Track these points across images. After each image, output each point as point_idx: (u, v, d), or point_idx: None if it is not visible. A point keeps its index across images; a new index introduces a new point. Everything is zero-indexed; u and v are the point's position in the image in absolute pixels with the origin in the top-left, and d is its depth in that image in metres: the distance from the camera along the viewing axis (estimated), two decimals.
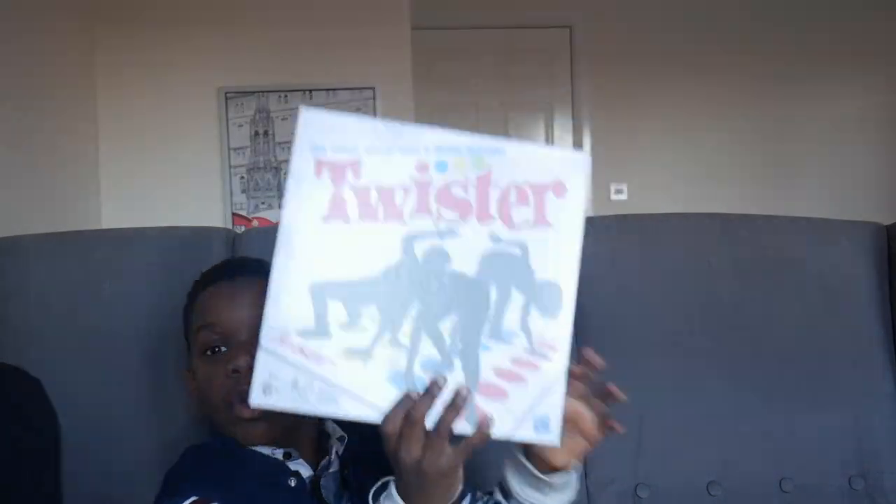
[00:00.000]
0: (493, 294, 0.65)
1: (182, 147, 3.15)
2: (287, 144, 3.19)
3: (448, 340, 0.65)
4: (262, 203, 3.20)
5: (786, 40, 3.94)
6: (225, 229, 1.06)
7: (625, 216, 1.19)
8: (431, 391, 0.64)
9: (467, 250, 0.65)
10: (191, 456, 0.81)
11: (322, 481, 0.79)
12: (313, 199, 0.65)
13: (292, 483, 0.77)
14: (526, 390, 0.65)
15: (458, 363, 0.65)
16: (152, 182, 3.11)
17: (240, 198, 3.18)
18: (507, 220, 0.66)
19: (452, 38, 3.92)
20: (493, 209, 0.66)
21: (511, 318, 0.66)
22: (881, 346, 1.14)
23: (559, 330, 0.67)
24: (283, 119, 3.18)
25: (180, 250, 1.00)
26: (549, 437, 0.66)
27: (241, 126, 3.17)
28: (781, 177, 3.97)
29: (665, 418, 1.09)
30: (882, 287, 1.16)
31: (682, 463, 1.09)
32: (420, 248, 0.65)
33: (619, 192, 3.96)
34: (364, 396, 0.64)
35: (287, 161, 3.30)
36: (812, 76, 3.97)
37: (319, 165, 0.65)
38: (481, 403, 0.65)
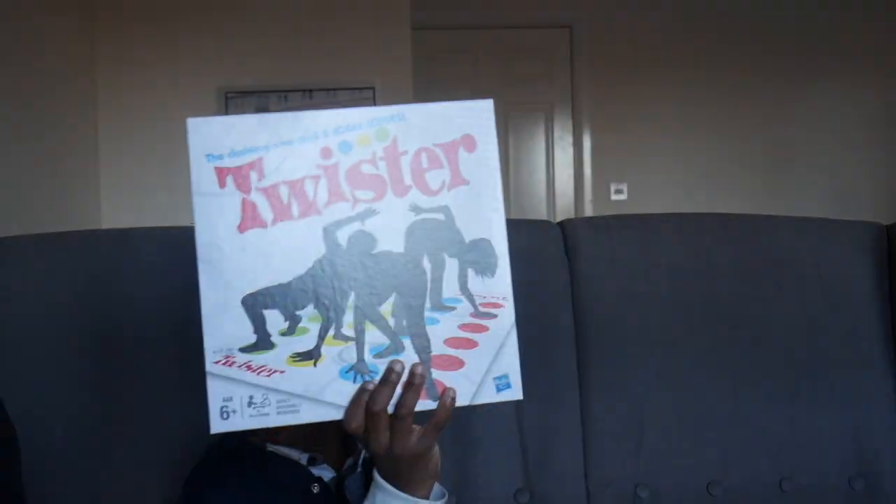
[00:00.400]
0: (427, 265, 0.65)
1: (182, 147, 3.14)
2: None
3: (392, 322, 0.64)
4: None
5: (786, 40, 3.94)
6: None
7: (625, 216, 1.19)
8: (387, 378, 0.62)
9: (391, 227, 0.64)
10: (212, 460, 0.80)
11: (346, 482, 0.79)
12: (223, 212, 0.62)
13: (315, 490, 0.77)
14: (480, 354, 0.65)
15: (407, 343, 0.64)
16: (152, 182, 3.11)
17: None
18: (424, 188, 0.65)
19: (452, 38, 3.92)
20: (408, 179, 0.65)
21: (450, 286, 0.65)
22: (881, 346, 1.14)
23: (500, 285, 0.66)
24: None
25: (180, 250, 1.00)
26: (513, 393, 0.66)
27: None
28: (781, 176, 3.97)
29: (665, 418, 1.09)
30: (882, 287, 1.16)
31: (682, 463, 1.09)
32: (343, 236, 0.64)
33: (619, 192, 3.96)
34: (322, 398, 0.63)
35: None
36: (812, 76, 3.97)
37: (221, 174, 0.63)
38: (439, 377, 0.64)
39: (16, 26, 2.41)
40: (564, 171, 4.04)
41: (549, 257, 1.12)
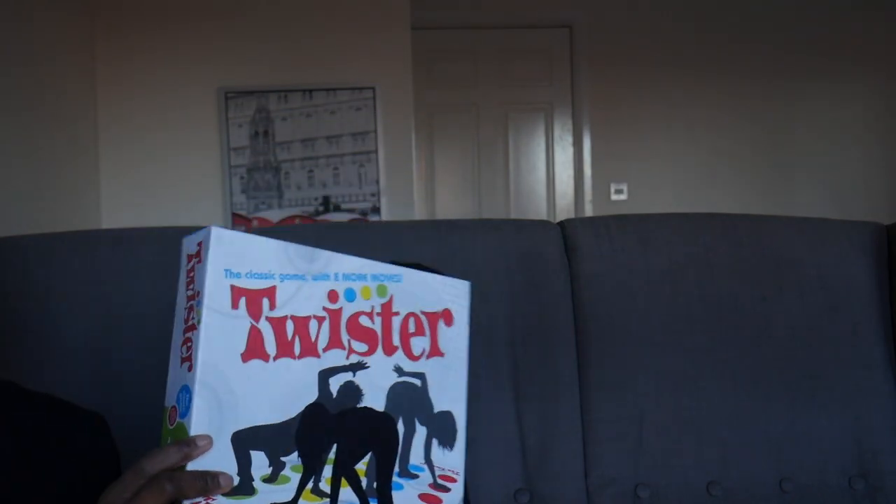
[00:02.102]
0: (401, 429, 0.64)
1: (182, 147, 3.15)
2: (287, 144, 3.19)
3: (365, 482, 0.62)
4: (262, 203, 3.20)
5: (786, 40, 3.95)
6: None
7: (625, 216, 1.19)
8: None
9: (376, 384, 0.64)
10: None
11: None
12: (232, 336, 0.58)
13: None
14: None
15: None
16: (152, 182, 3.11)
17: (239, 198, 3.18)
18: (408, 352, 0.65)
19: (452, 38, 3.92)
20: (396, 340, 0.65)
21: (416, 453, 0.65)
22: (881, 347, 1.14)
23: (456, 459, 0.67)
24: (283, 119, 3.18)
25: (180, 250, 1.00)
26: None
27: (241, 126, 3.17)
28: (781, 176, 3.98)
29: (665, 418, 1.09)
30: (882, 287, 1.15)
31: (682, 463, 1.08)
32: (334, 385, 0.62)
33: (619, 192, 3.96)
34: None
35: (286, 162, 3.30)
36: (812, 76, 3.97)
37: (236, 294, 0.58)
38: None
39: (15, 26, 2.41)
40: (564, 171, 4.05)
41: (548, 257, 1.12)
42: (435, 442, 0.66)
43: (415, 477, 0.65)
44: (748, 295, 1.13)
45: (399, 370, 0.65)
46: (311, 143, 3.18)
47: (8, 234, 1.11)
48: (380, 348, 0.64)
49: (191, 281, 0.59)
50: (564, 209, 4.02)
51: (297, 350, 0.60)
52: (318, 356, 0.61)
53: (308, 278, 0.61)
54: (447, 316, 0.68)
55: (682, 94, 3.93)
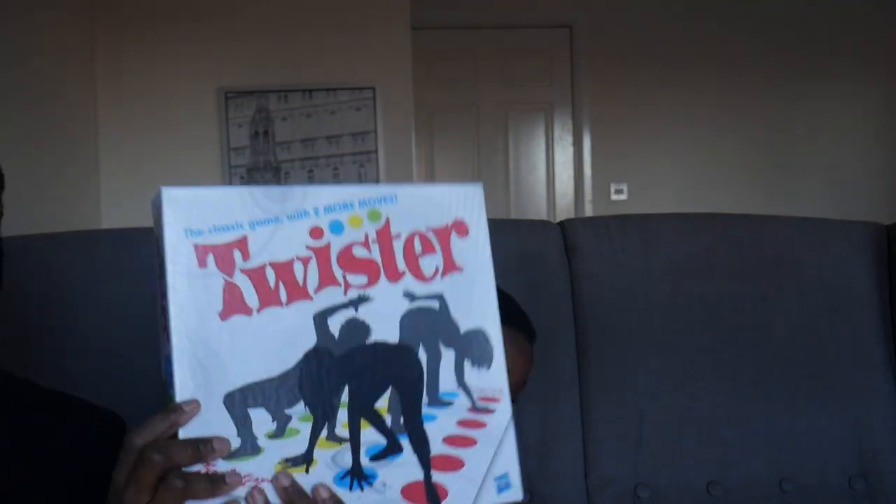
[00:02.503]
0: (423, 357, 0.60)
1: (182, 147, 3.15)
2: (287, 144, 3.19)
3: (389, 419, 0.59)
4: None
5: (786, 40, 3.95)
6: None
7: (625, 216, 1.19)
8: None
9: (385, 315, 0.59)
10: None
11: None
12: (204, 296, 0.54)
13: None
14: (480, 453, 0.61)
15: (405, 442, 0.59)
16: (152, 182, 3.11)
17: None
18: (418, 274, 0.60)
19: (452, 38, 3.92)
20: (402, 264, 0.60)
21: (447, 379, 0.61)
22: (881, 346, 1.14)
23: (496, 378, 0.62)
24: (283, 119, 3.18)
25: None
26: (513, 493, 0.62)
27: (241, 126, 3.17)
28: (781, 177, 3.97)
29: (665, 418, 1.09)
30: (882, 287, 1.15)
31: (682, 463, 1.09)
32: (335, 325, 0.58)
33: (619, 192, 3.96)
34: None
35: (286, 162, 3.28)
36: (812, 76, 3.97)
37: (201, 253, 0.55)
38: (440, 479, 0.59)
39: (15, 26, 2.41)
40: (564, 171, 4.04)
41: (549, 257, 1.12)
42: (468, 364, 0.61)
43: (448, 404, 0.60)
44: (748, 295, 1.13)
45: (410, 295, 0.60)
46: (311, 143, 3.18)
47: (8, 235, 1.11)
48: (382, 276, 0.59)
49: (158, 249, 0.56)
50: (564, 209, 4.02)
51: (283, 297, 0.56)
52: (310, 298, 0.57)
53: (283, 220, 0.57)
54: (459, 227, 0.62)
55: (683, 94, 3.93)
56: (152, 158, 3.12)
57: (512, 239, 1.12)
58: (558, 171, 4.05)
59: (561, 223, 1.17)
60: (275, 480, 0.55)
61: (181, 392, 0.54)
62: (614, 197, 3.96)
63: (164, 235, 0.54)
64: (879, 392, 1.12)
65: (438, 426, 0.60)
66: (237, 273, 0.56)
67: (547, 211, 4.03)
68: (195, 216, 0.55)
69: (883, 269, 1.16)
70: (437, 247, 0.62)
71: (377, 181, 3.20)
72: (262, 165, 3.18)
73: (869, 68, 4.00)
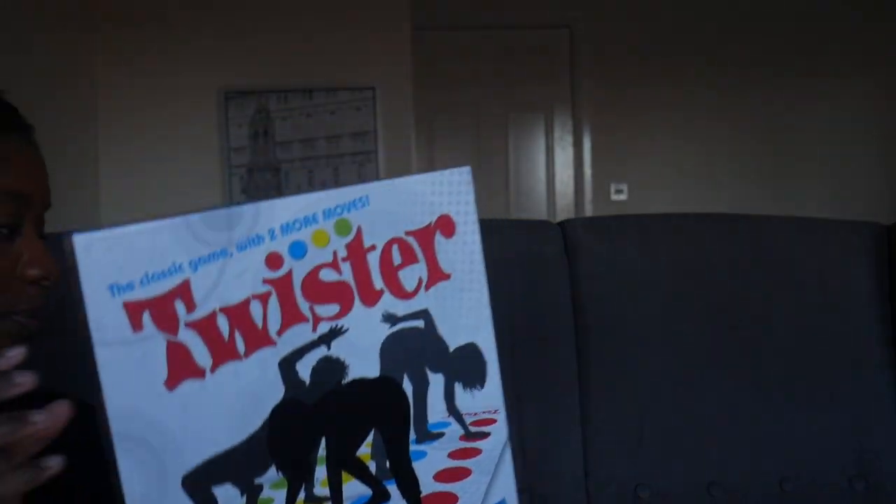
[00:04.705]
0: (409, 388, 0.52)
1: (182, 147, 3.15)
2: (287, 144, 3.19)
3: (374, 465, 0.51)
4: None
5: (788, 38, 3.94)
6: None
7: (625, 216, 1.19)
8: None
9: (363, 347, 0.50)
10: None
11: None
12: (143, 366, 0.43)
13: None
14: (475, 483, 0.54)
15: (393, 488, 0.52)
16: (152, 182, 3.11)
17: (239, 198, 3.18)
18: (398, 290, 0.51)
19: (452, 39, 3.91)
20: (379, 282, 0.50)
21: (436, 407, 0.53)
22: (882, 347, 1.14)
23: (491, 397, 0.55)
24: (283, 119, 3.18)
25: None
26: None
27: (241, 126, 3.17)
28: (782, 176, 3.97)
29: (665, 418, 1.09)
30: (882, 288, 1.15)
31: (682, 463, 1.09)
32: (304, 369, 0.48)
33: (619, 192, 3.96)
34: None
35: (286, 162, 3.27)
36: (813, 75, 3.96)
37: (134, 313, 0.42)
38: None
39: (15, 25, 2.41)
40: (564, 172, 4.04)
41: (549, 258, 1.12)
42: (459, 387, 0.54)
43: (439, 437, 0.53)
44: (748, 295, 1.13)
45: (391, 318, 0.51)
46: (312, 143, 3.18)
47: None
48: (357, 301, 0.50)
49: (79, 308, 0.42)
50: (564, 209, 4.02)
51: (240, 348, 0.46)
52: (273, 343, 0.47)
53: (232, 251, 0.45)
54: (445, 224, 0.53)
55: (683, 94, 3.93)
56: (152, 158, 3.12)
57: (512, 239, 1.12)
58: (558, 171, 4.04)
59: (561, 223, 1.17)
60: None
61: (129, 490, 0.42)
62: (614, 197, 3.96)
63: (83, 296, 0.41)
64: (880, 393, 1.12)
65: (429, 463, 0.53)
66: (182, 329, 0.44)
67: (547, 211, 4.03)
68: (120, 266, 0.42)
69: (883, 270, 1.16)
70: (420, 254, 0.52)
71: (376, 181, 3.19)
72: (262, 165, 3.18)
73: (871, 67, 3.99)
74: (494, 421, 0.55)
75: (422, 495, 0.53)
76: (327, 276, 0.49)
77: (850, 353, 1.13)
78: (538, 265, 1.11)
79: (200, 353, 0.45)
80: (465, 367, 0.54)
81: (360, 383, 0.50)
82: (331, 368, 0.49)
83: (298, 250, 0.48)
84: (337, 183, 3.18)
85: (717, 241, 1.15)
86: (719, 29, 3.93)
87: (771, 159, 3.98)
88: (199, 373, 0.45)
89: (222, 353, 0.45)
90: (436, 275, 0.53)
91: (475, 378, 0.55)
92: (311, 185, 3.18)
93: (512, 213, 3.98)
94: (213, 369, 0.45)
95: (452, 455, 0.54)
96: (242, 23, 3.14)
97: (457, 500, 0.54)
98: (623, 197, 3.95)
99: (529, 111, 4.01)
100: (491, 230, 1.13)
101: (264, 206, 0.46)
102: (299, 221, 0.48)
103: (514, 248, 1.11)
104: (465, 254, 0.54)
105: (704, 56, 3.93)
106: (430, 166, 3.98)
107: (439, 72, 3.89)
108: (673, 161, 3.95)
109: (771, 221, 1.19)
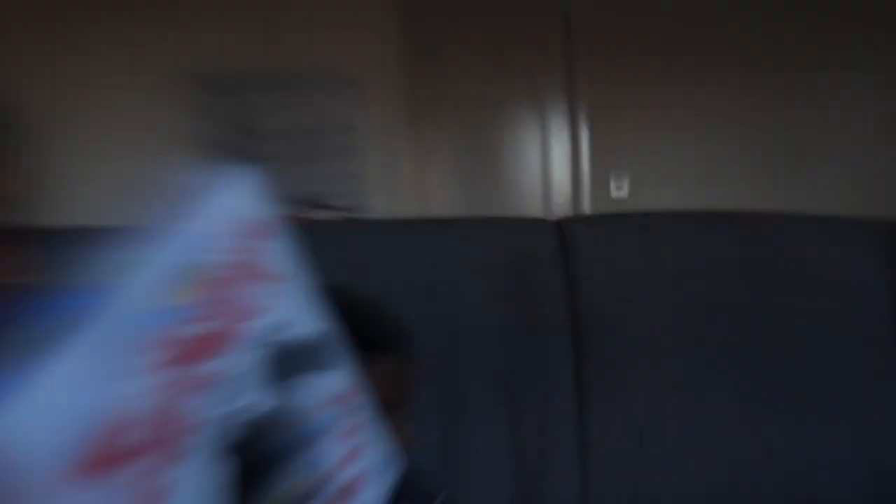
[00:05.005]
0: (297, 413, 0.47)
1: (157, 141, 3.11)
2: (269, 138, 3.18)
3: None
4: None
5: (792, 32, 3.91)
6: None
7: (625, 213, 1.18)
8: None
9: (218, 428, 0.40)
10: None
11: None
12: None
13: None
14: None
15: None
16: (127, 177, 3.08)
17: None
18: (243, 332, 0.44)
19: (446, 29, 3.89)
20: (231, 337, 0.43)
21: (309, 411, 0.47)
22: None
23: (344, 378, 0.51)
24: (264, 112, 3.21)
25: None
26: None
27: (220, 119, 3.15)
28: (789, 171, 3.94)
29: (667, 425, 1.08)
30: (895, 287, 1.13)
31: (685, 472, 1.07)
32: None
33: (619, 188, 3.93)
34: None
35: (267, 156, 3.21)
36: (819, 68, 3.93)
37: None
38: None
39: None
40: (561, 166, 4.02)
41: (545, 257, 1.11)
42: (315, 379, 0.49)
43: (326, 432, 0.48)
44: (756, 298, 1.12)
45: (260, 345, 0.46)
46: (295, 137, 3.15)
47: None
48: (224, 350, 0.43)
49: None
50: (561, 206, 3.99)
51: None
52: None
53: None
54: (255, 229, 0.49)
55: (684, 87, 3.90)
56: (128, 152, 3.08)
57: (506, 238, 1.12)
58: (555, 166, 4.02)
59: (558, 221, 1.16)
60: None
61: None
62: (614, 193, 3.92)
63: None
64: (893, 401, 1.10)
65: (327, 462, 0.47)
66: None
67: (543, 208, 4.00)
68: None
69: None
70: (256, 268, 0.47)
71: (364, 177, 3.17)
72: (242, 160, 3.15)
73: (886, 57, 3.95)
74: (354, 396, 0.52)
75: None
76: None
77: (862, 359, 1.11)
78: (534, 266, 1.10)
79: None
80: (317, 354, 0.51)
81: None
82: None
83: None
84: (321, 179, 3.15)
85: (724, 240, 1.15)
86: (721, 19, 3.90)
87: (778, 153, 3.94)
88: None
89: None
90: (273, 279, 0.49)
91: (327, 361, 0.51)
92: (295, 181, 3.13)
93: (506, 210, 3.95)
94: None
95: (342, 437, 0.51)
96: (221, 12, 3.14)
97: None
98: (624, 193, 3.92)
99: (525, 104, 3.99)
100: (484, 228, 1.12)
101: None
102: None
103: (508, 248, 1.11)
104: (282, 248, 0.51)
105: (709, 43, 3.89)
106: (421, 161, 3.95)
107: (432, 63, 3.86)
108: (676, 156, 3.92)
109: (780, 219, 1.19)
